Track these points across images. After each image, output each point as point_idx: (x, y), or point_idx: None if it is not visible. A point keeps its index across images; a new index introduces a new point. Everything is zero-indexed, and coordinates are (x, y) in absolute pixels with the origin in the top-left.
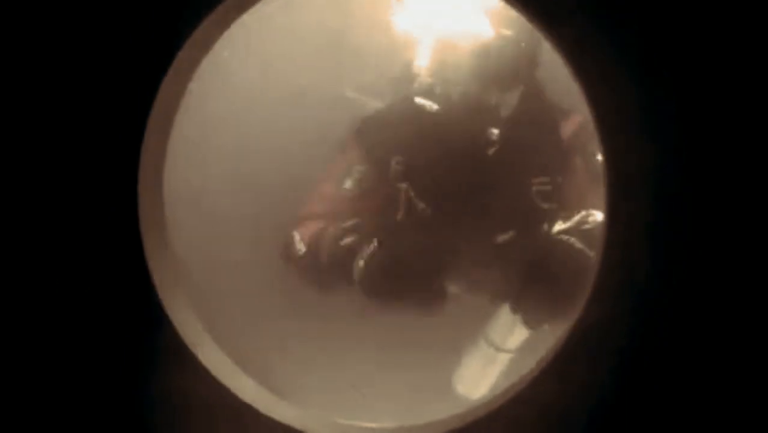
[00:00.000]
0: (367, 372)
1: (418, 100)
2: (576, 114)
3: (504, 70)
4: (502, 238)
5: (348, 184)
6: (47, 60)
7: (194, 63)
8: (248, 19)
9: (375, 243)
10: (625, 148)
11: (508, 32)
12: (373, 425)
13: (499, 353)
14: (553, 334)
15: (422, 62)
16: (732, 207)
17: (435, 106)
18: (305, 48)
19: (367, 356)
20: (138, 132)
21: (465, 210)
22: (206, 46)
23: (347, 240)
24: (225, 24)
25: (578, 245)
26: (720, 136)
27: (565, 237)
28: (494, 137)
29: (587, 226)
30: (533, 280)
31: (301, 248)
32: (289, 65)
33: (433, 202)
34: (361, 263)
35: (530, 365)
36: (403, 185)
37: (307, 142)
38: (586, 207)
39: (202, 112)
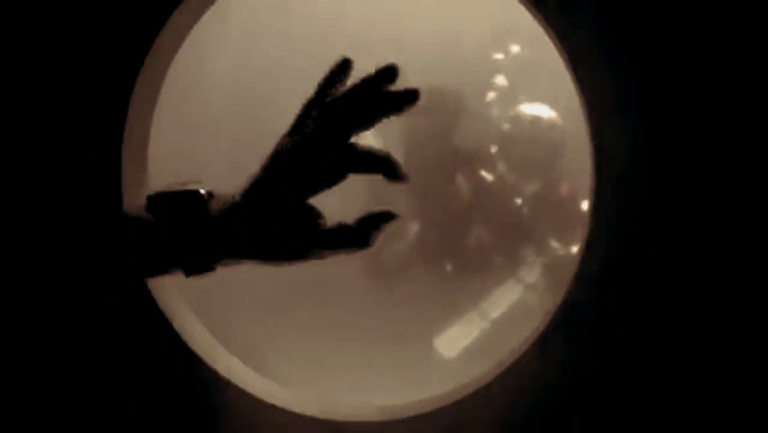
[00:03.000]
0: (359, 347)
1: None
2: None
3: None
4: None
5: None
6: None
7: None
8: None
9: None
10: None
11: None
12: (363, 400)
13: (484, 322)
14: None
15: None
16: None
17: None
18: None
19: (360, 331)
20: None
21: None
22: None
23: None
24: None
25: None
26: (720, 148)
27: None
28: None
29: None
30: None
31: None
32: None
33: None
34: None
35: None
36: None
37: None
38: None
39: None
